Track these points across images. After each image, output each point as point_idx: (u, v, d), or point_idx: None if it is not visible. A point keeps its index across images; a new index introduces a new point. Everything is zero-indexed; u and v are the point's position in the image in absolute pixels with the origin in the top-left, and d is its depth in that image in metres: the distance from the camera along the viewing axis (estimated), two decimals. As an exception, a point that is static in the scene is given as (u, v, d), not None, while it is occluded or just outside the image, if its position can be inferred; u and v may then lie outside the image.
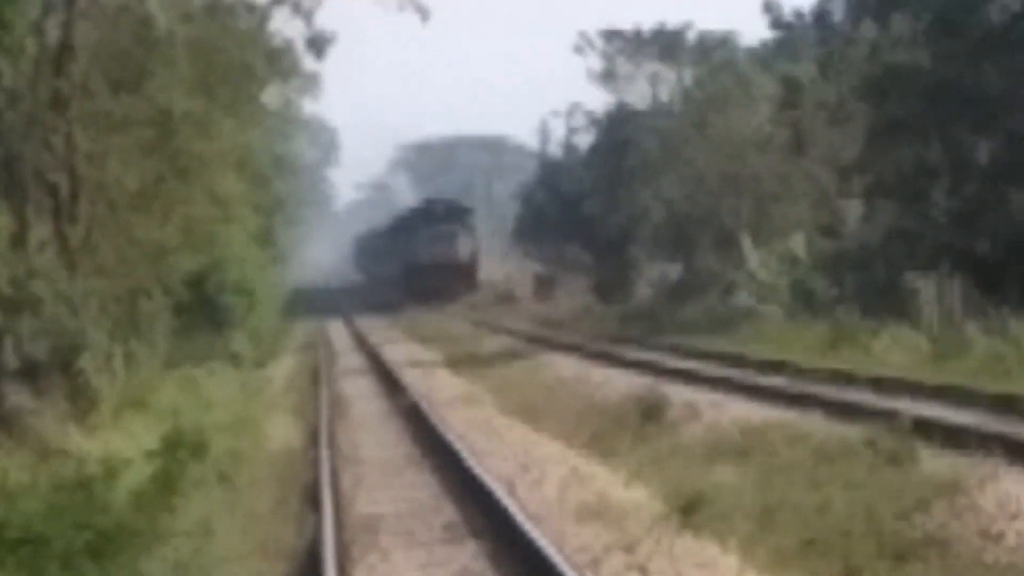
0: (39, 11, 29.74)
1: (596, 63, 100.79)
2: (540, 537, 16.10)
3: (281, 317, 65.60)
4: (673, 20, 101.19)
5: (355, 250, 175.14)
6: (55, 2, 30.83)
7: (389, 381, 40.81)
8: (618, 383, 34.38)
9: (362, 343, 61.00)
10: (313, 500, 20.87)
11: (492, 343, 55.81)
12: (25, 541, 14.61)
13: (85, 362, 29.97)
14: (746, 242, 56.51)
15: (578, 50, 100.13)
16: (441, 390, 37.84)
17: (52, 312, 28.95)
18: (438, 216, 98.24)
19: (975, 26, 45.59)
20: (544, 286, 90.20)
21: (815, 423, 23.31)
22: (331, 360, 51.23)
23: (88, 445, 23.21)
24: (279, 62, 41.75)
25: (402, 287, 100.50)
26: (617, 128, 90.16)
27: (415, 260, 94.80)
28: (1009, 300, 36.29)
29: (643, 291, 72.58)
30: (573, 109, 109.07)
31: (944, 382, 27.70)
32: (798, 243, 54.54)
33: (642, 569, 15.10)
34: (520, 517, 17.39)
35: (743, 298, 52.90)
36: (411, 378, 40.30)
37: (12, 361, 28.06)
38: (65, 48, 30.74)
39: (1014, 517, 15.27)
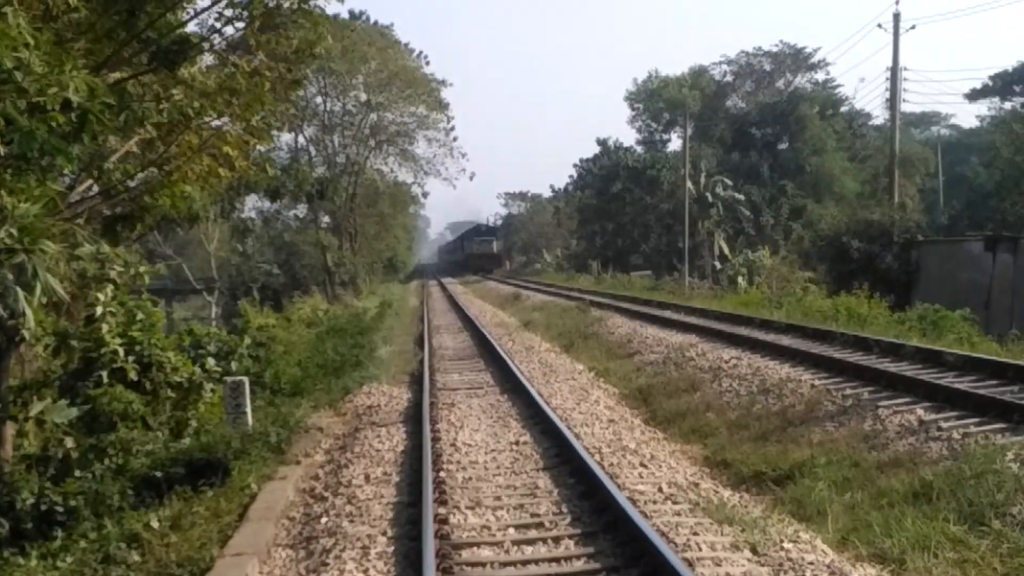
0: (343, 184, 29.37)
1: (515, 207, 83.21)
2: (483, 330, 15.85)
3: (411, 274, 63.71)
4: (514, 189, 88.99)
5: (439, 252, 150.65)
6: (349, 183, 30.42)
7: (445, 291, 40.23)
8: (506, 289, 33.91)
9: (438, 280, 59.77)
10: (423, 320, 20.39)
11: (472, 278, 54.96)
12: (340, 330, 14.41)
13: (359, 282, 30.16)
14: (544, 251, 56.37)
15: (505, 203, 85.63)
16: (459, 293, 37.07)
17: (349, 267, 29.10)
18: (483, 232, 68.75)
19: (613, 192, 45.23)
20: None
21: (563, 301, 23.13)
22: (427, 284, 50.33)
23: (359, 304, 22.94)
24: (415, 201, 40.79)
25: (462, 266, 71.02)
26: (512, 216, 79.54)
27: (471, 252, 65.86)
28: (623, 268, 36.21)
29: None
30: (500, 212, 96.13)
31: (599, 290, 27.46)
32: (558, 253, 54.58)
33: (512, 339, 14.98)
34: (480, 326, 16.86)
35: (542, 267, 52.79)
36: (452, 290, 39.58)
37: (338, 281, 28.18)
38: (353, 195, 30.69)
39: (617, 327, 15.24)
